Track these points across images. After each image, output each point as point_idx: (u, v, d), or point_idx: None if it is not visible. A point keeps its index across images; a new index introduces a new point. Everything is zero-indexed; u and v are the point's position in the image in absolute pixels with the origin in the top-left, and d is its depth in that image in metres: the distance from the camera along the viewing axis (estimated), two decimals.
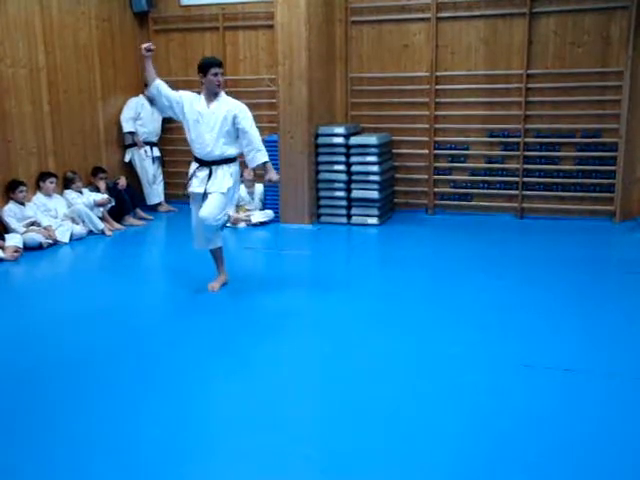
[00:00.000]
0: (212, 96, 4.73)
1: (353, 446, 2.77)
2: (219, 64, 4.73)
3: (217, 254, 5.03)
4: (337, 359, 3.74)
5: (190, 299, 4.81)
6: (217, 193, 4.70)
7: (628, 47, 6.81)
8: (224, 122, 4.69)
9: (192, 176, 4.85)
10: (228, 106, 4.72)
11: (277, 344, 3.94)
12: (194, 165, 4.87)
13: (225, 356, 3.80)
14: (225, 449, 2.79)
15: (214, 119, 4.70)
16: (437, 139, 7.73)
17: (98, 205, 7.08)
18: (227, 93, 8.61)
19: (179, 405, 3.16)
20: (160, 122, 8.46)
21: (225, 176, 4.76)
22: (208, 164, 4.77)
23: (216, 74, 4.65)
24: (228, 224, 5.78)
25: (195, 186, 4.81)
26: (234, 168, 4.85)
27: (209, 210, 4.66)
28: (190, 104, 4.77)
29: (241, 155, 4.92)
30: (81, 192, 7.16)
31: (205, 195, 4.74)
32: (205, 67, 4.67)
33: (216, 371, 3.61)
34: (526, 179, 7.47)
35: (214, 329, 4.22)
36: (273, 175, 4.84)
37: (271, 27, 7.55)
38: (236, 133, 4.75)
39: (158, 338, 4.08)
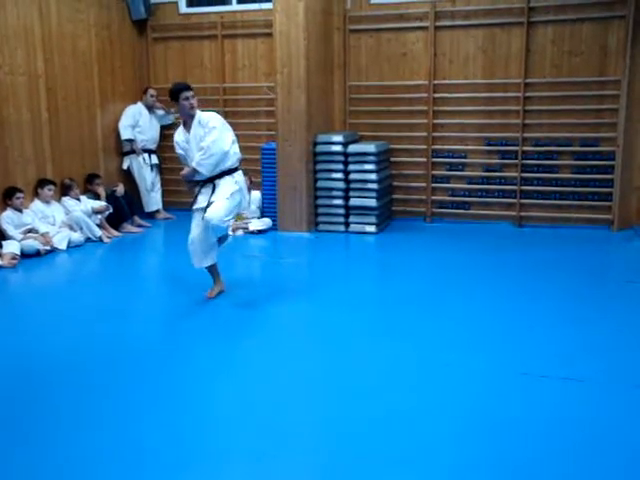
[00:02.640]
0: (189, 119, 4.73)
1: (352, 451, 2.77)
2: (188, 87, 4.73)
3: (212, 269, 5.02)
4: (335, 366, 3.73)
5: (188, 307, 4.80)
6: (222, 199, 4.68)
7: (625, 56, 6.84)
8: None
9: (197, 194, 4.83)
10: (203, 124, 4.70)
11: (275, 351, 3.93)
12: (199, 185, 4.85)
13: (224, 363, 3.78)
14: (225, 454, 2.77)
15: (197, 141, 4.69)
16: (435, 147, 7.74)
17: (96, 212, 7.07)
18: (226, 101, 8.67)
19: (179, 411, 3.15)
20: (158, 130, 8.47)
21: (228, 184, 4.75)
22: (211, 179, 4.76)
23: (187, 98, 4.65)
24: (229, 237, 5.66)
25: (200, 202, 4.78)
26: (238, 177, 4.85)
27: (214, 212, 4.60)
28: (179, 142, 4.81)
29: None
30: (79, 199, 7.15)
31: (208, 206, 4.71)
32: (175, 93, 4.68)
33: (215, 378, 3.58)
34: (524, 187, 7.48)
35: (212, 336, 4.20)
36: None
37: (270, 35, 7.57)
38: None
39: (156, 346, 4.07)
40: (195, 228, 4.84)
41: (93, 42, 7.78)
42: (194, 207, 4.82)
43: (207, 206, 4.68)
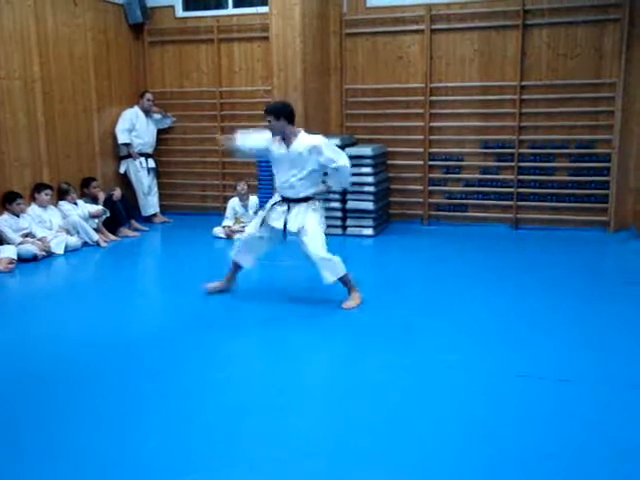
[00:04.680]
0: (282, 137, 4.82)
1: (351, 453, 2.76)
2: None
3: (236, 268, 5.17)
4: (332, 368, 3.73)
5: (188, 308, 4.79)
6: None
7: (621, 59, 6.87)
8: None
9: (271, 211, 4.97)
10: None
11: (273, 352, 3.94)
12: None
13: (222, 366, 3.78)
14: (228, 460, 2.77)
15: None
16: (432, 150, 7.76)
17: (93, 216, 7.06)
18: (223, 105, 8.68)
19: (175, 414, 3.14)
20: (155, 134, 8.47)
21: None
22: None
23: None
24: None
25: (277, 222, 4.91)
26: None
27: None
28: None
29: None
30: (76, 203, 7.14)
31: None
32: (292, 115, 4.76)
33: (212, 381, 3.58)
34: (521, 190, 7.50)
35: (211, 338, 4.19)
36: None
37: (266, 39, 7.58)
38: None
39: (157, 347, 4.06)
40: (256, 233, 4.96)
41: (89, 46, 7.78)
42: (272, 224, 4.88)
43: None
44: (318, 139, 4.79)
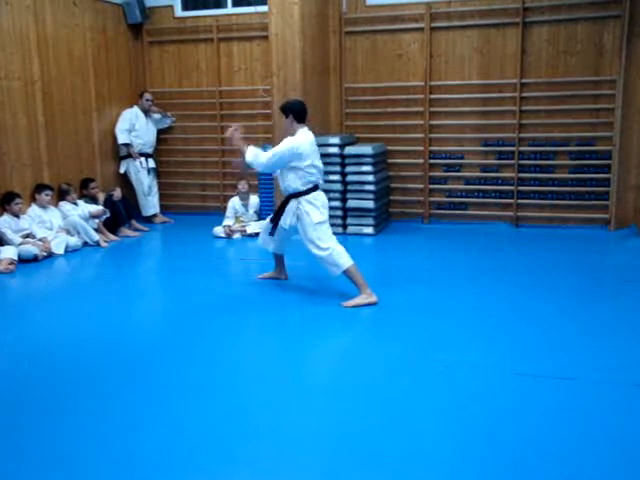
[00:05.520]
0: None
1: (351, 453, 2.76)
2: None
3: (276, 257, 5.41)
4: (333, 366, 3.73)
5: (186, 311, 4.78)
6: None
7: (621, 56, 6.86)
8: None
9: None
10: None
11: (269, 353, 3.94)
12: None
13: (222, 366, 3.78)
14: (228, 460, 2.77)
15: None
16: (432, 148, 7.75)
17: (93, 216, 7.06)
18: (222, 104, 8.67)
19: (181, 415, 3.14)
20: (155, 134, 8.47)
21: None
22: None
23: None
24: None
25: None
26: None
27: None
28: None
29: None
30: (76, 204, 7.14)
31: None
32: (304, 115, 4.97)
33: (212, 381, 3.58)
34: (521, 188, 7.49)
35: (212, 339, 4.19)
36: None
37: (265, 38, 7.58)
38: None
39: (154, 351, 4.05)
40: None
41: (89, 47, 7.78)
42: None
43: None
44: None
